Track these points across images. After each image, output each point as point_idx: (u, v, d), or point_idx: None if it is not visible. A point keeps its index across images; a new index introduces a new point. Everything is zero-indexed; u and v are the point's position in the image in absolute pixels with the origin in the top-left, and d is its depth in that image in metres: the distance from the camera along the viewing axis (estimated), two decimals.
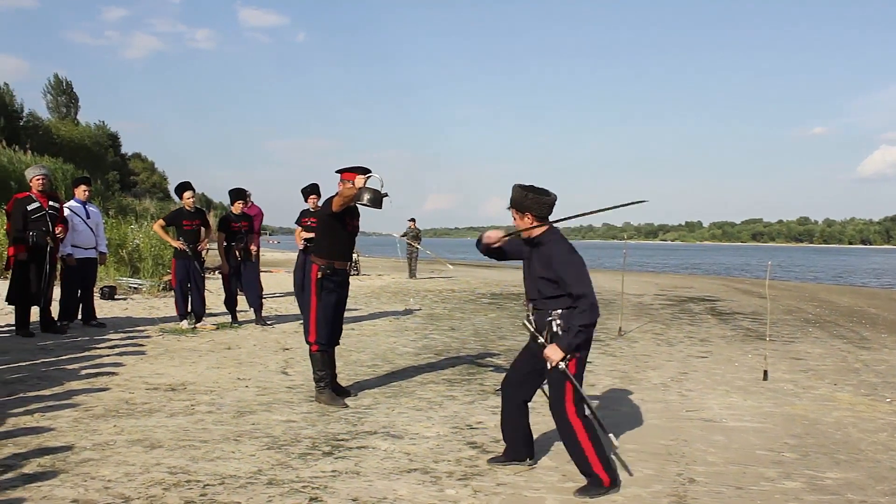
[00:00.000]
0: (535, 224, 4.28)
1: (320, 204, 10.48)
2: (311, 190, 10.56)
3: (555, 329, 4.17)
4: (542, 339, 4.25)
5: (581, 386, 4.22)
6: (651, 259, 59.68)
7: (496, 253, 4.62)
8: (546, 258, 4.22)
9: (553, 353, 4.12)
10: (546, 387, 4.35)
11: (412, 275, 21.88)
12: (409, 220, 22.06)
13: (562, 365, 4.12)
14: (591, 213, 4.75)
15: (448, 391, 6.65)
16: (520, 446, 4.60)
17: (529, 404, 4.60)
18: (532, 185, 4.31)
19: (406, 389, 6.66)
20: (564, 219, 4.47)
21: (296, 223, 10.70)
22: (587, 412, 4.27)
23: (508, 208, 4.38)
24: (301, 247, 10.26)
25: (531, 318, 4.36)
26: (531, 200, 4.25)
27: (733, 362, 8.50)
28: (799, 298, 18.37)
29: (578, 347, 4.16)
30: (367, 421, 5.56)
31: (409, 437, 5.17)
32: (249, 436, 5.09)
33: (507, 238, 4.53)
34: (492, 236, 4.57)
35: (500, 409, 6.05)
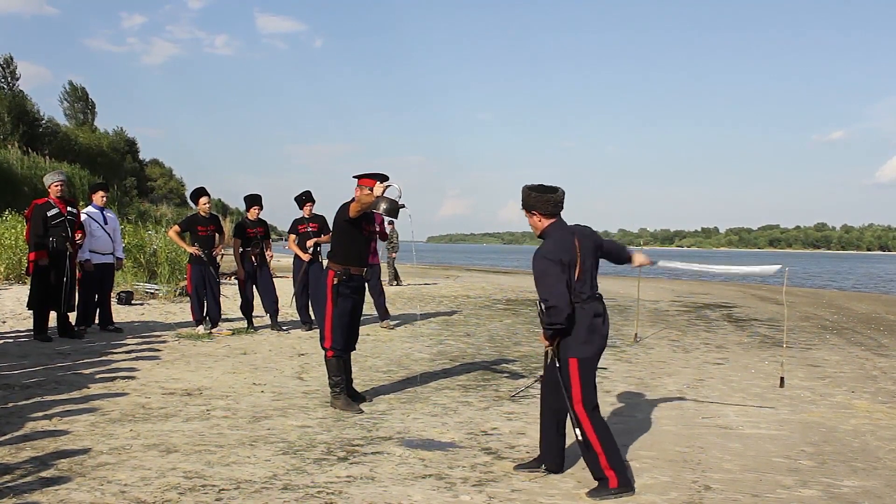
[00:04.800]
0: (542, 222, 4.40)
1: (314, 210, 10.73)
2: (306, 198, 10.73)
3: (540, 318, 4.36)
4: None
5: (590, 387, 4.30)
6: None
7: None
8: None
9: (540, 338, 4.46)
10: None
11: (397, 281, 21.10)
12: (388, 223, 20.96)
13: (549, 353, 4.40)
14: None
15: (463, 397, 6.65)
16: (551, 457, 4.59)
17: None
18: (540, 185, 4.42)
19: (421, 395, 6.67)
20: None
21: (290, 231, 10.79)
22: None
23: (522, 209, 4.47)
24: (307, 254, 10.38)
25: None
26: (534, 199, 4.38)
27: (750, 369, 8.44)
28: (816, 305, 18.23)
29: (568, 349, 4.29)
30: (382, 426, 5.57)
31: (423, 442, 5.17)
32: (265, 441, 5.11)
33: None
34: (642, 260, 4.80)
35: (516, 415, 6.07)
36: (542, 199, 4.35)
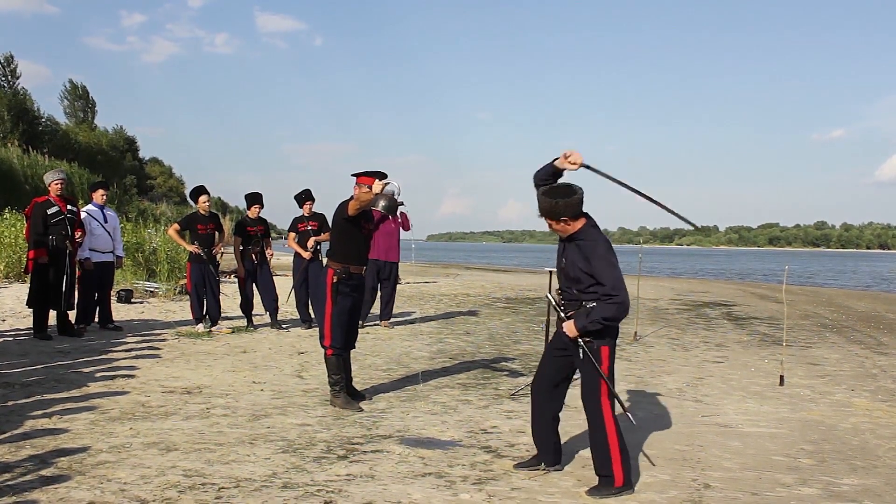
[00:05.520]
0: (571, 225, 4.25)
1: (315, 209, 10.77)
2: (306, 196, 10.76)
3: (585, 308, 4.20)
4: (562, 314, 4.31)
5: (613, 381, 4.26)
6: (666, 264, 59.34)
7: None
8: (585, 254, 4.21)
9: (569, 328, 4.22)
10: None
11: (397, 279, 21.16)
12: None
13: (580, 342, 4.21)
14: (654, 201, 4.57)
15: (463, 395, 6.65)
16: (549, 454, 4.59)
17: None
18: (556, 189, 4.25)
19: (421, 393, 6.67)
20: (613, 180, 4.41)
21: (289, 230, 10.83)
22: (618, 409, 4.30)
23: (540, 216, 4.31)
24: (309, 252, 10.41)
25: (561, 301, 4.37)
26: (562, 206, 4.19)
27: (749, 367, 8.45)
28: (816, 303, 18.23)
29: (601, 338, 4.20)
30: (381, 425, 5.57)
31: (423, 440, 5.18)
32: (264, 439, 5.11)
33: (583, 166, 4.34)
34: (576, 158, 4.30)
35: (515, 414, 6.06)
36: (569, 204, 4.19)
